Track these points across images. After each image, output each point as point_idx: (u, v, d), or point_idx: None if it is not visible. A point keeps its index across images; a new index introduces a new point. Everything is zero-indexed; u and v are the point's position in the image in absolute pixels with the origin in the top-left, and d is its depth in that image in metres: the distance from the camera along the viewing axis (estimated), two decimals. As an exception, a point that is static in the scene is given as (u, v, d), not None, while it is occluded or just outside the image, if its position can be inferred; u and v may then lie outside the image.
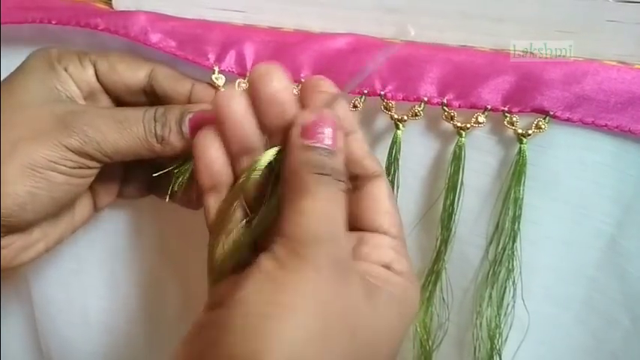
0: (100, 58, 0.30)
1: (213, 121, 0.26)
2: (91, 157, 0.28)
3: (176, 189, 0.30)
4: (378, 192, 0.25)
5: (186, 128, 0.29)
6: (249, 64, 0.30)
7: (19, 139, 0.27)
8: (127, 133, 0.28)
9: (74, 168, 0.28)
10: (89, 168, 0.29)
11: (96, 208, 0.34)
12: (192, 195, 0.32)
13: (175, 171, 0.30)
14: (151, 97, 0.31)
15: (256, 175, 0.25)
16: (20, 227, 0.28)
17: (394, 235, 0.26)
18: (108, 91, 0.31)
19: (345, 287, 0.22)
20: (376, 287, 0.24)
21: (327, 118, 0.23)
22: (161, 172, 0.30)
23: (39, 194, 0.27)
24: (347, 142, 0.24)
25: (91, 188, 0.33)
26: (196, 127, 0.28)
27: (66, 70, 0.30)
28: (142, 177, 0.34)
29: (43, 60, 0.30)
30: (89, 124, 0.28)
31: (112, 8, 0.34)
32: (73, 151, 0.27)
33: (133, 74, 0.30)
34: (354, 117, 0.26)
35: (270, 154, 0.25)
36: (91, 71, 0.30)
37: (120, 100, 0.31)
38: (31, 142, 0.27)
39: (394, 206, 0.26)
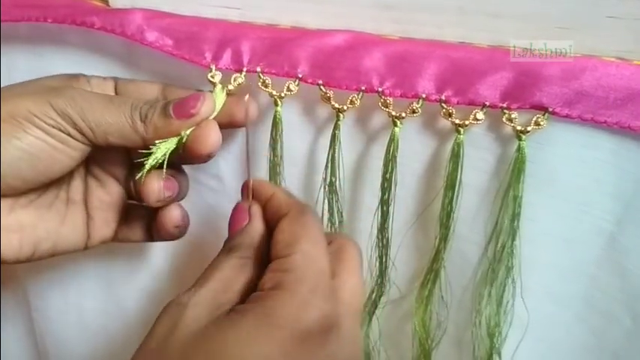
0: (122, 79, 0.33)
1: (195, 102, 0.29)
2: (74, 124, 0.28)
3: (147, 168, 0.29)
4: (275, 231, 0.26)
5: (170, 110, 0.29)
6: (245, 61, 0.30)
7: (13, 96, 0.29)
8: (114, 107, 0.29)
9: (53, 127, 0.28)
10: (71, 137, 0.29)
11: (89, 236, 0.33)
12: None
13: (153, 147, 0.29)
14: None
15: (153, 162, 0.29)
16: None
17: (279, 256, 0.26)
18: None
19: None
20: (236, 313, 0.24)
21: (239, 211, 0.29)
22: (141, 159, 0.30)
23: (13, 143, 0.28)
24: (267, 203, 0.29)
25: (88, 214, 0.33)
26: (180, 108, 0.29)
27: (88, 81, 0.32)
28: (143, 219, 0.34)
29: (71, 73, 0.32)
30: (80, 94, 0.29)
31: (109, 6, 0.34)
32: (56, 111, 0.28)
33: (149, 84, 0.32)
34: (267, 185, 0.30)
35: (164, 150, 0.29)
36: (110, 84, 0.32)
37: None
38: (20, 97, 0.28)
39: (285, 231, 0.26)
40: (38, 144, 0.28)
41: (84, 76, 0.32)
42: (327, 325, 0.24)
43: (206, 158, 0.29)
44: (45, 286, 0.42)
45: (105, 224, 0.34)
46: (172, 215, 0.32)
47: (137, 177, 0.30)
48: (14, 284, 0.44)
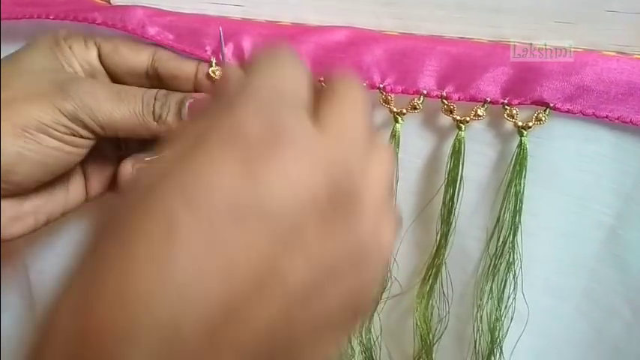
0: (105, 40, 0.31)
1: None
2: (84, 125, 0.28)
3: None
4: None
5: (185, 111, 0.29)
6: (247, 56, 0.30)
7: (14, 100, 0.27)
8: (124, 105, 0.28)
9: (66, 134, 0.28)
10: (82, 137, 0.28)
11: (87, 194, 0.33)
12: None
13: None
14: (153, 81, 0.31)
15: None
16: (9, 191, 0.28)
17: None
18: (110, 72, 0.31)
19: None
20: None
21: None
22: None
23: (28, 156, 0.27)
24: None
25: (85, 177, 0.33)
26: (196, 111, 0.28)
27: (70, 48, 0.30)
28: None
29: (50, 37, 0.30)
30: (87, 91, 0.28)
31: (110, 3, 0.34)
32: (66, 116, 0.27)
33: (136, 55, 0.30)
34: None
35: None
36: (94, 52, 0.30)
37: (121, 82, 0.31)
38: (26, 103, 0.27)
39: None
40: (51, 152, 0.28)
41: (64, 41, 0.30)
42: (271, 137, 0.17)
43: None
44: (47, 279, 0.42)
45: (99, 183, 0.34)
46: (123, 170, 0.31)
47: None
48: (17, 273, 0.44)
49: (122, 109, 0.28)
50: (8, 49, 0.36)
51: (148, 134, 0.29)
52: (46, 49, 0.30)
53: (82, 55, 0.30)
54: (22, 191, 0.29)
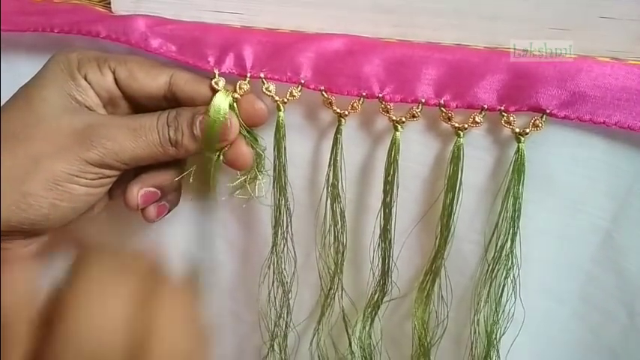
0: (120, 64, 0.30)
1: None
2: (110, 167, 0.29)
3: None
4: None
5: (197, 130, 0.30)
6: (248, 66, 0.31)
7: (41, 155, 0.28)
8: (143, 140, 0.29)
9: (94, 179, 0.29)
10: (109, 177, 0.30)
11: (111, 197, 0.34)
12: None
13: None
14: (172, 102, 0.31)
15: None
16: (42, 233, 0.30)
17: None
18: (127, 97, 0.31)
19: None
20: None
21: None
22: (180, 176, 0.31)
23: (61, 205, 0.29)
24: None
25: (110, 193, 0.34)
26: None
27: (85, 77, 0.30)
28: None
29: (62, 68, 0.30)
30: (107, 137, 0.29)
31: (111, 11, 0.34)
32: (92, 164, 0.29)
33: (152, 81, 0.30)
34: None
35: None
36: (110, 78, 0.30)
37: (140, 105, 0.31)
38: (53, 158, 0.28)
39: None
40: (81, 197, 0.29)
41: (78, 71, 0.30)
42: None
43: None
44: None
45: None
46: (148, 214, 0.33)
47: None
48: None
49: (142, 144, 0.29)
50: (11, 60, 0.37)
51: (171, 158, 0.30)
52: (60, 85, 0.29)
53: (99, 83, 0.30)
54: (48, 231, 0.30)
